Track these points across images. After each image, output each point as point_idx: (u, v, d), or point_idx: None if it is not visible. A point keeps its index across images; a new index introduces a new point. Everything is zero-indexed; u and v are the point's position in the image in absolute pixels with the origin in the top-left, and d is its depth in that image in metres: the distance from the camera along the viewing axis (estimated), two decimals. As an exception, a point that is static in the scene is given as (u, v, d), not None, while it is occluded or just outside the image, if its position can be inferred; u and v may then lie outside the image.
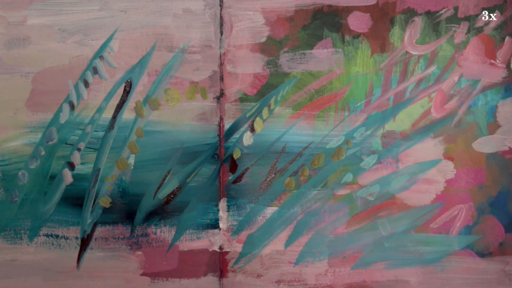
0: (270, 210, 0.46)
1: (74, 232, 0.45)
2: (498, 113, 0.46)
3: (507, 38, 0.46)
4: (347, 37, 0.45)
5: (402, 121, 0.46)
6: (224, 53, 0.45)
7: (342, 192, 0.46)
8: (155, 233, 0.45)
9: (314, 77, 0.46)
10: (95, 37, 0.44)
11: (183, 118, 0.45)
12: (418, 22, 0.46)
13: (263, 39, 0.45)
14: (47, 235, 0.45)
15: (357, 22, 0.45)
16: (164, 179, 0.45)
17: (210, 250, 0.46)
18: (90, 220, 0.45)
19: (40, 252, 0.45)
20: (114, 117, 0.45)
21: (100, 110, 0.45)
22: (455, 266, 0.46)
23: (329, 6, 0.45)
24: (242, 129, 0.46)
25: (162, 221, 0.45)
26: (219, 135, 0.45)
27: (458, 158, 0.46)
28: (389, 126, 0.46)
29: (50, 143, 0.45)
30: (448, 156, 0.46)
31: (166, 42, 0.45)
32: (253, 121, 0.46)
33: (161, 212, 0.45)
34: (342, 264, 0.46)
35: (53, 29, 0.44)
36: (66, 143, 0.45)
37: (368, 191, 0.46)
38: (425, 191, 0.46)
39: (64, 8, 0.44)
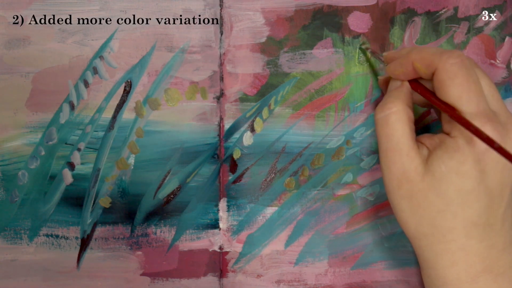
0: (270, 210, 0.46)
1: (74, 232, 0.45)
2: (498, 113, 0.46)
3: (507, 38, 0.46)
4: (347, 37, 0.45)
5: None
6: (224, 53, 0.45)
7: (342, 192, 0.46)
8: (155, 233, 0.45)
9: (314, 77, 0.46)
10: (95, 37, 0.44)
11: (183, 118, 0.45)
12: (418, 22, 0.46)
13: (263, 39, 0.45)
14: (47, 235, 0.45)
15: (357, 22, 0.45)
16: (164, 179, 0.45)
17: (210, 250, 0.46)
18: (90, 220, 0.45)
19: (40, 252, 0.45)
20: (114, 117, 0.45)
21: (100, 110, 0.45)
22: (455, 266, 0.46)
23: (329, 6, 0.45)
24: (242, 129, 0.46)
25: (162, 221, 0.45)
26: (219, 135, 0.45)
27: (458, 158, 0.46)
28: (389, 126, 0.46)
29: (50, 143, 0.45)
30: (448, 156, 0.46)
31: (166, 42, 0.45)
32: (253, 121, 0.46)
33: (161, 212, 0.45)
34: (342, 264, 0.46)
35: (53, 29, 0.44)
36: (66, 143, 0.45)
37: (368, 191, 0.46)
38: (425, 191, 0.46)
39: (64, 8, 0.44)
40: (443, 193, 0.32)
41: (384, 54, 0.39)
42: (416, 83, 0.36)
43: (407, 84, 0.36)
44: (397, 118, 0.34)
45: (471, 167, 0.32)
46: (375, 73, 0.45)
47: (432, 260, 0.34)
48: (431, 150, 0.34)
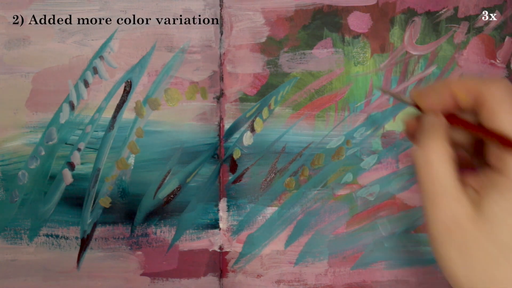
0: (270, 210, 0.46)
1: (74, 232, 0.45)
2: (498, 113, 0.46)
3: (507, 38, 0.46)
4: (347, 37, 0.45)
5: (402, 121, 0.46)
6: (224, 53, 0.45)
7: (342, 192, 0.46)
8: (155, 233, 0.45)
9: (314, 77, 0.46)
10: (95, 37, 0.44)
11: (183, 118, 0.45)
12: (418, 22, 0.46)
13: (263, 39, 0.45)
14: (47, 235, 0.45)
15: (357, 22, 0.45)
16: (164, 179, 0.45)
17: (210, 250, 0.46)
18: (90, 220, 0.45)
19: (40, 252, 0.45)
20: (114, 117, 0.45)
21: (100, 110, 0.45)
22: (455, 266, 0.46)
23: (329, 6, 0.45)
24: (242, 129, 0.46)
25: (162, 221, 0.45)
26: (219, 135, 0.45)
27: (458, 158, 0.46)
28: (389, 126, 0.46)
29: (50, 143, 0.45)
30: (448, 156, 0.46)
31: (166, 42, 0.45)
32: (253, 121, 0.46)
33: (161, 212, 0.45)
34: (342, 264, 0.46)
35: (53, 29, 0.44)
36: (66, 143, 0.45)
37: (368, 191, 0.46)
38: (425, 191, 0.46)
39: (64, 8, 0.44)
40: (499, 240, 0.29)
41: (413, 92, 0.36)
42: (454, 117, 0.33)
43: (443, 120, 0.33)
44: (439, 159, 0.31)
45: None
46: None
47: None
48: (479, 191, 0.31)
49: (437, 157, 0.31)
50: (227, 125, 0.45)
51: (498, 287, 0.29)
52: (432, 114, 0.34)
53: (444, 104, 0.33)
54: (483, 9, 0.46)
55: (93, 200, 0.45)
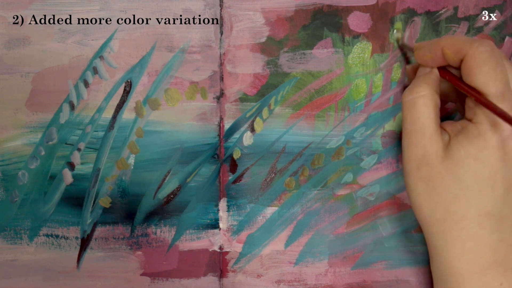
0: (270, 210, 0.46)
1: (74, 232, 0.45)
2: (498, 113, 0.46)
3: (507, 38, 0.46)
4: (347, 37, 0.45)
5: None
6: (224, 53, 0.45)
7: (342, 192, 0.46)
8: (155, 233, 0.45)
9: (314, 77, 0.46)
10: (95, 37, 0.44)
11: (183, 118, 0.45)
12: (418, 22, 0.46)
13: (263, 39, 0.45)
14: (47, 235, 0.45)
15: (357, 22, 0.45)
16: (164, 179, 0.45)
17: (210, 250, 0.46)
18: (90, 220, 0.45)
19: (40, 252, 0.45)
20: (114, 117, 0.45)
21: (100, 110, 0.45)
22: (455, 266, 0.46)
23: (329, 6, 0.45)
24: (242, 129, 0.46)
25: (162, 221, 0.45)
26: (219, 135, 0.45)
27: (458, 158, 0.46)
28: (389, 126, 0.46)
29: (50, 143, 0.45)
30: (448, 156, 0.46)
31: (166, 42, 0.45)
32: (253, 121, 0.46)
33: (161, 212, 0.45)
34: (342, 264, 0.46)
35: (53, 29, 0.44)
36: (66, 143, 0.45)
37: (368, 191, 0.46)
38: (425, 191, 0.46)
39: (64, 8, 0.44)
40: (460, 178, 0.33)
41: (415, 44, 0.40)
42: (444, 70, 0.36)
43: (435, 71, 0.37)
44: (424, 102, 0.34)
45: (490, 154, 0.32)
46: (407, 61, 0.45)
47: (442, 248, 0.35)
48: (452, 136, 0.35)
49: (421, 100, 0.35)
50: (227, 125, 0.45)
51: (454, 217, 0.33)
52: (426, 66, 0.37)
53: (435, 58, 0.36)
54: (483, 9, 0.46)
55: (93, 200, 0.45)
